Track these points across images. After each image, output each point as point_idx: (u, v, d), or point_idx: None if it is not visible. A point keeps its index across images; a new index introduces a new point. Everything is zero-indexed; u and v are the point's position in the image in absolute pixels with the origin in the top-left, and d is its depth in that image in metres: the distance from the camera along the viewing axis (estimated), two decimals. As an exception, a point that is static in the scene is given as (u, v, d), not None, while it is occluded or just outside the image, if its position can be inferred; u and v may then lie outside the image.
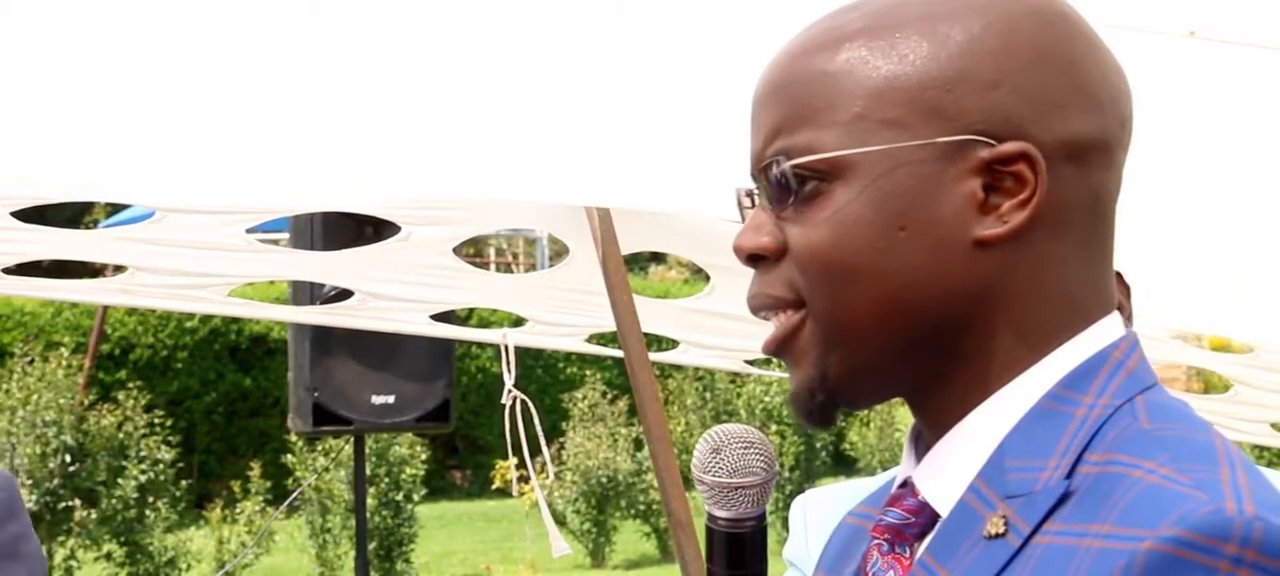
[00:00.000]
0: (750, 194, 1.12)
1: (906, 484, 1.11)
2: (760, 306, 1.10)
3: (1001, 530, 1.00)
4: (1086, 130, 1.06)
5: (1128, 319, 1.82)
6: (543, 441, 4.29)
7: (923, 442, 1.11)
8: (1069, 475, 1.00)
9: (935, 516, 1.07)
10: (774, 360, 1.19)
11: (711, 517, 1.25)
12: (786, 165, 1.05)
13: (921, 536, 1.08)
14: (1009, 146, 1.03)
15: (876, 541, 1.11)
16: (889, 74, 1.04)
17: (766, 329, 1.12)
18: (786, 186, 1.06)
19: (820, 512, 1.98)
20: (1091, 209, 1.07)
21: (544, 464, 4.54)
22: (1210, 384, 10.64)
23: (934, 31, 1.05)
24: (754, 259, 1.09)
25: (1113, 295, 1.10)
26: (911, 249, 1.03)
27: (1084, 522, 0.97)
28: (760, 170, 1.09)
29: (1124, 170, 1.11)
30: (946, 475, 1.07)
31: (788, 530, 2.14)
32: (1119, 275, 1.85)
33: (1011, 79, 1.04)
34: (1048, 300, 1.05)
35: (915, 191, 1.03)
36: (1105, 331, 1.07)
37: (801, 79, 1.07)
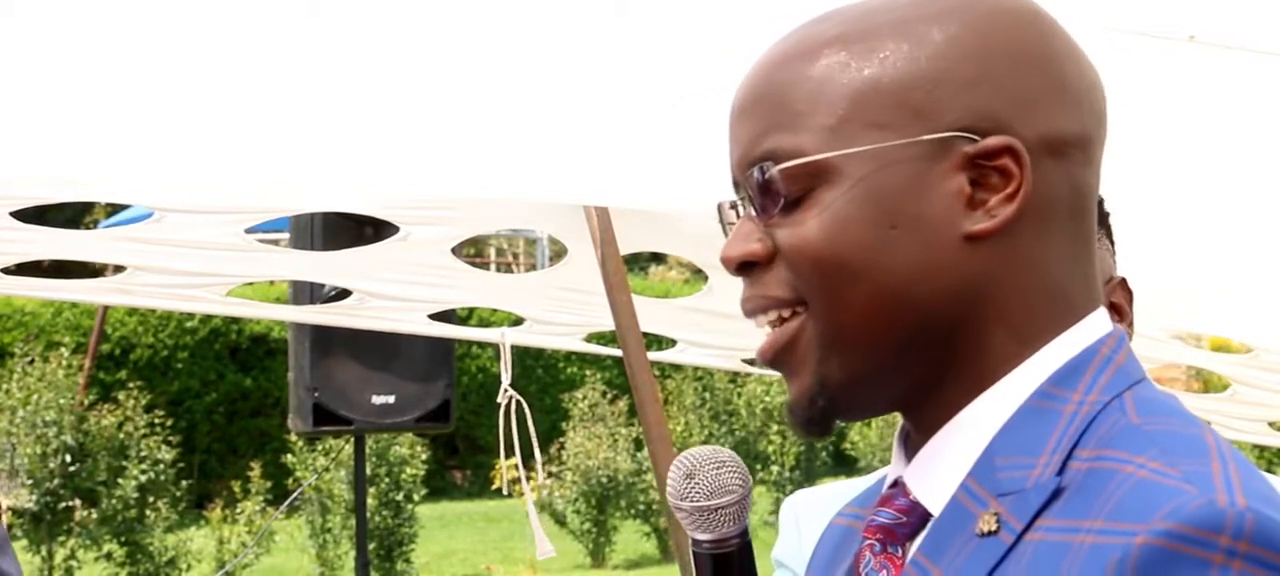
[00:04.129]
0: (734, 206, 1.12)
1: (897, 484, 1.11)
2: (757, 309, 1.09)
3: (994, 527, 1.01)
4: (1067, 126, 1.07)
5: (1129, 325, 1.82)
6: (535, 442, 4.29)
7: (912, 443, 1.11)
8: (1060, 471, 1.00)
9: (927, 515, 1.07)
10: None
11: (695, 542, 1.24)
12: (774, 170, 1.06)
13: (913, 536, 1.09)
14: (993, 141, 1.04)
15: (868, 542, 1.11)
16: (871, 76, 1.05)
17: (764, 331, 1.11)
18: (774, 192, 1.06)
19: (811, 512, 1.98)
20: (1074, 204, 1.08)
21: (534, 466, 4.53)
22: (1209, 383, 10.64)
23: (912, 33, 1.06)
24: (744, 267, 1.09)
25: (1098, 291, 1.10)
26: (903, 247, 1.04)
27: (1076, 519, 0.97)
28: (745, 178, 1.09)
29: (1101, 167, 1.11)
30: (937, 474, 1.07)
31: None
32: (1124, 280, 1.85)
33: (992, 77, 1.05)
34: (1038, 295, 1.06)
35: (903, 190, 1.04)
36: (1093, 327, 1.08)
37: (783, 87, 1.07)
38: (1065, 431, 1.02)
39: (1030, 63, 1.06)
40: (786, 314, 1.08)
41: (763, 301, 1.09)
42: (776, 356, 1.09)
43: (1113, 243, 1.86)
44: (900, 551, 1.09)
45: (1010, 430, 1.04)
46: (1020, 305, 1.06)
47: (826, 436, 1.11)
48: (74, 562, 12.11)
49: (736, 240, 1.09)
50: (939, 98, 1.04)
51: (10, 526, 12.80)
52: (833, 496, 1.95)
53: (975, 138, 1.04)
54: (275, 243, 4.94)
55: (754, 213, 1.08)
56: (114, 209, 14.01)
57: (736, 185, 1.11)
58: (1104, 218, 1.85)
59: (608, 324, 4.06)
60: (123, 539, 12.21)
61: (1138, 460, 0.97)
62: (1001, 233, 1.04)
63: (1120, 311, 1.82)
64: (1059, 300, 1.07)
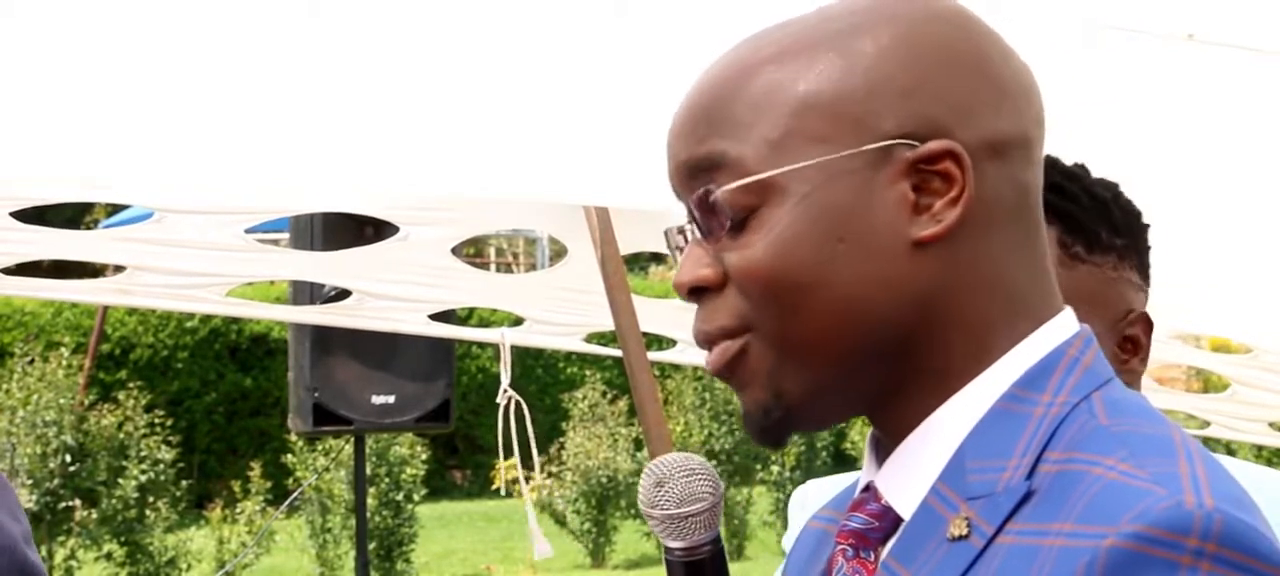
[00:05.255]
0: (682, 231, 1.12)
1: (869, 488, 1.11)
2: (708, 341, 1.10)
3: (964, 532, 1.01)
4: (1006, 127, 1.07)
5: (1143, 360, 1.77)
6: (533, 443, 4.30)
7: (883, 447, 1.11)
8: (1030, 475, 1.00)
9: (898, 520, 1.08)
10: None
11: (668, 549, 1.25)
12: (718, 192, 1.06)
13: (885, 540, 1.09)
14: (933, 145, 1.04)
15: (841, 547, 1.11)
16: (807, 92, 1.05)
17: None
18: (719, 214, 1.06)
19: (820, 503, 1.98)
20: (1019, 204, 1.08)
21: (532, 467, 4.54)
22: (1209, 383, 10.64)
23: (846, 47, 1.06)
24: (696, 293, 1.09)
25: (1056, 290, 1.11)
26: (853, 258, 1.04)
27: (1046, 522, 0.97)
28: (688, 199, 1.09)
29: (1042, 167, 1.12)
30: (908, 478, 1.07)
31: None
32: (1145, 315, 1.79)
33: (928, 84, 1.05)
34: (992, 298, 1.06)
35: (848, 201, 1.04)
36: (1058, 329, 1.08)
37: (720, 106, 1.07)
38: (1035, 434, 1.02)
39: (965, 67, 1.06)
40: (732, 340, 1.08)
41: (713, 332, 1.09)
42: (726, 371, 1.09)
43: (1147, 280, 1.79)
44: (872, 556, 1.09)
45: (980, 433, 1.05)
46: (974, 306, 1.06)
47: (782, 446, 1.11)
48: (74, 562, 12.10)
49: (687, 265, 1.09)
50: (875, 108, 1.05)
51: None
52: (842, 487, 1.94)
53: (915, 143, 1.04)
54: (275, 243, 4.95)
55: (701, 236, 1.09)
56: (114, 209, 14.01)
57: (679, 197, 1.11)
58: (1145, 251, 1.79)
59: (608, 324, 4.07)
60: (123, 539, 12.21)
61: (1106, 461, 0.97)
62: (949, 237, 1.05)
63: (1136, 344, 1.77)
64: (1015, 300, 1.07)
